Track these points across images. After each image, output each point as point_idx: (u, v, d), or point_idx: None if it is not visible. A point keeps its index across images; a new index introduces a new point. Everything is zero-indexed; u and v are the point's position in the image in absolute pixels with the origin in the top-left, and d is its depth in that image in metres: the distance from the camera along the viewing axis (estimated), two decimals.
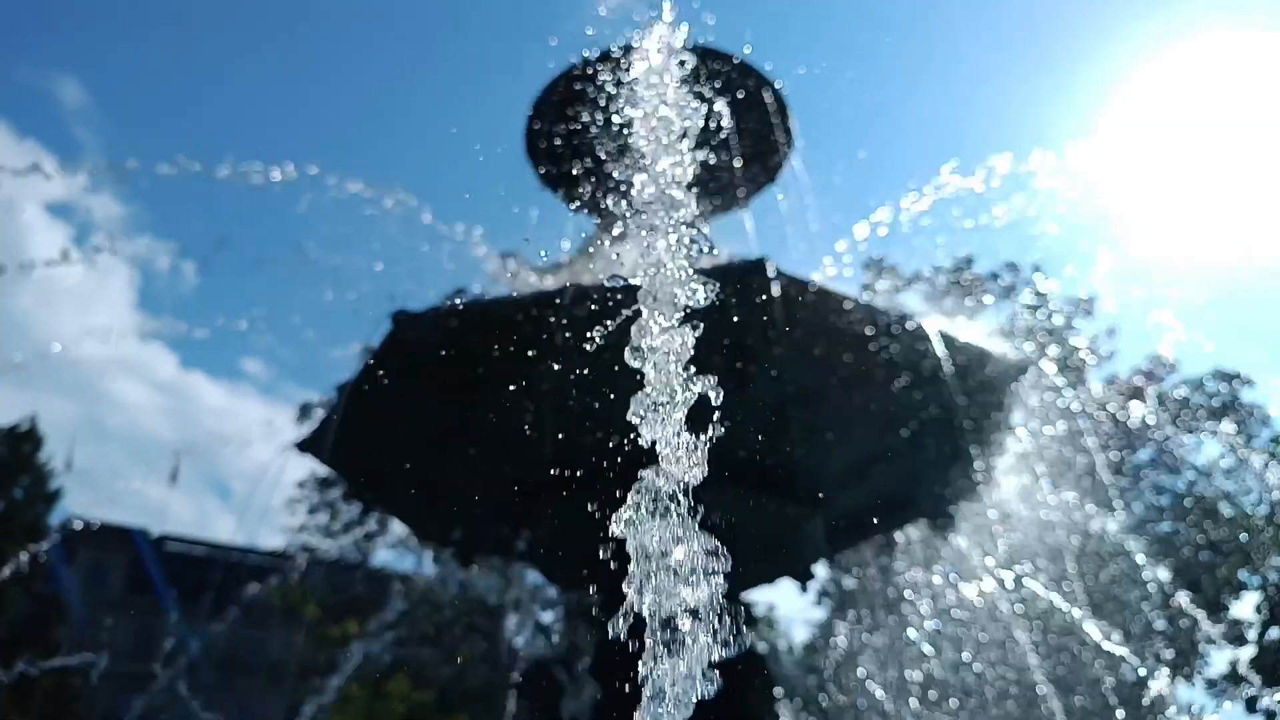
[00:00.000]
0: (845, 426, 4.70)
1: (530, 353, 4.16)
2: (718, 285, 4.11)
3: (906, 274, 25.21)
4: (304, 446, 4.98)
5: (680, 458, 3.05)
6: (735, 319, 4.08)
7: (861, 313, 4.24)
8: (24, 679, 25.96)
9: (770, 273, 3.91)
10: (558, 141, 6.72)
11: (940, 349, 4.31)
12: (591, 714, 4.88)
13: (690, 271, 3.81)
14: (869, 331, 4.26)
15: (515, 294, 4.46)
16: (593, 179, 6.80)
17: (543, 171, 6.96)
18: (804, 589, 5.70)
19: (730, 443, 4.71)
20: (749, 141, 6.64)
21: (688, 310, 3.97)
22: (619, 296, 3.88)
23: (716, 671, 4.26)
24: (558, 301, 3.93)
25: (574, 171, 6.87)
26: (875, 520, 5.95)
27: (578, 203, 7.54)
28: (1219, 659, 22.45)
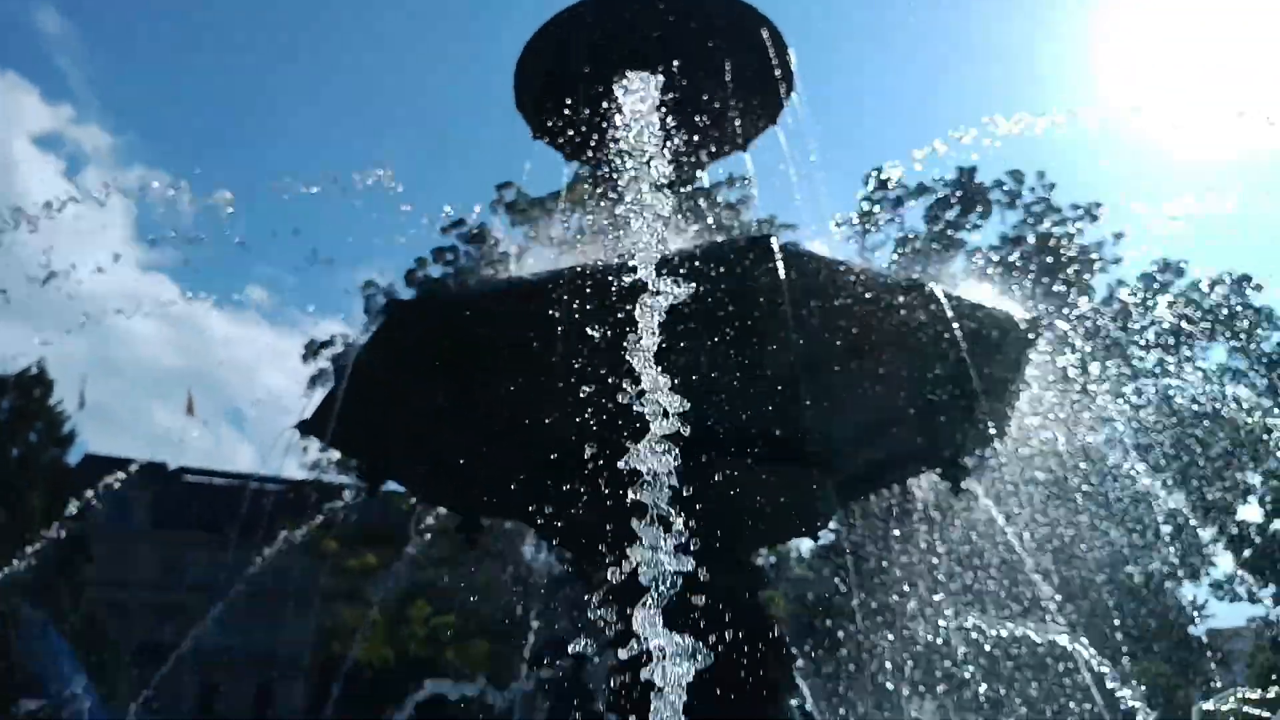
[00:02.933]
0: (855, 392, 4.63)
1: (529, 338, 4.09)
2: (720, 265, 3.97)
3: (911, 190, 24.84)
4: (306, 428, 4.94)
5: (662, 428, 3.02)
6: (742, 295, 3.98)
7: (867, 282, 4.12)
8: (58, 613, 26.69)
9: (775, 249, 3.78)
10: (548, 91, 6.50)
11: (949, 312, 4.20)
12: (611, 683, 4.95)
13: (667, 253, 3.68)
14: (874, 300, 4.15)
15: (509, 281, 4.34)
16: (583, 128, 6.59)
17: (534, 122, 6.75)
18: (815, 540, 5.72)
19: (740, 413, 4.64)
20: (747, 82, 6.41)
21: (680, 288, 3.85)
22: (613, 281, 3.77)
23: (723, 634, 4.24)
24: (550, 288, 3.82)
25: (563, 123, 6.67)
26: (888, 473, 5.94)
27: (567, 150, 7.35)
28: (1223, 561, 22.89)
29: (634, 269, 3.67)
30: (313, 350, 21.85)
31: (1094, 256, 24.90)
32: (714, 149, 7.16)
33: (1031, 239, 25.00)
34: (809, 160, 7.18)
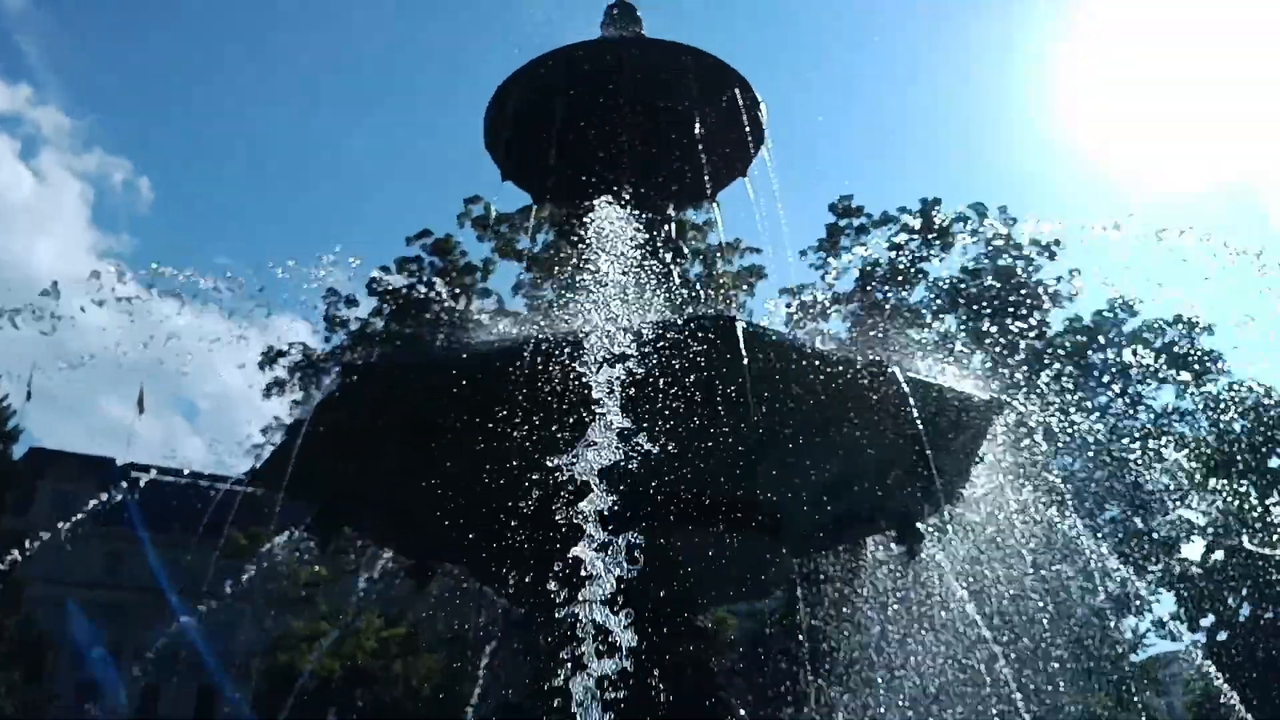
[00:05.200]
0: (813, 462, 4.67)
1: (476, 406, 4.10)
2: (684, 339, 3.99)
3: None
4: (257, 479, 4.89)
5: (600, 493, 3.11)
6: (704, 373, 4.00)
7: (827, 362, 4.16)
8: None
9: (737, 332, 3.80)
10: (518, 136, 6.49)
11: (908, 393, 4.25)
12: None
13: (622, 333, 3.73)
14: (835, 379, 4.20)
15: (460, 350, 4.33)
16: (552, 173, 6.59)
17: (504, 165, 6.73)
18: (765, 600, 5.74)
19: (698, 482, 4.65)
20: (718, 136, 6.45)
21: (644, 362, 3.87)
22: (558, 350, 3.79)
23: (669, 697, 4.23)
24: (500, 360, 3.84)
25: (532, 167, 6.67)
26: (844, 533, 5.99)
27: (536, 192, 7.36)
28: (1165, 601, 23.44)
29: (582, 344, 3.69)
30: (270, 358, 21.55)
31: (1051, 292, 25.36)
32: (683, 199, 7.21)
33: (991, 275, 25.41)
34: (776, 203, 7.26)
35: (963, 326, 25.60)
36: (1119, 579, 7.25)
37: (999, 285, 25.51)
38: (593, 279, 3.80)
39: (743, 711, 5.24)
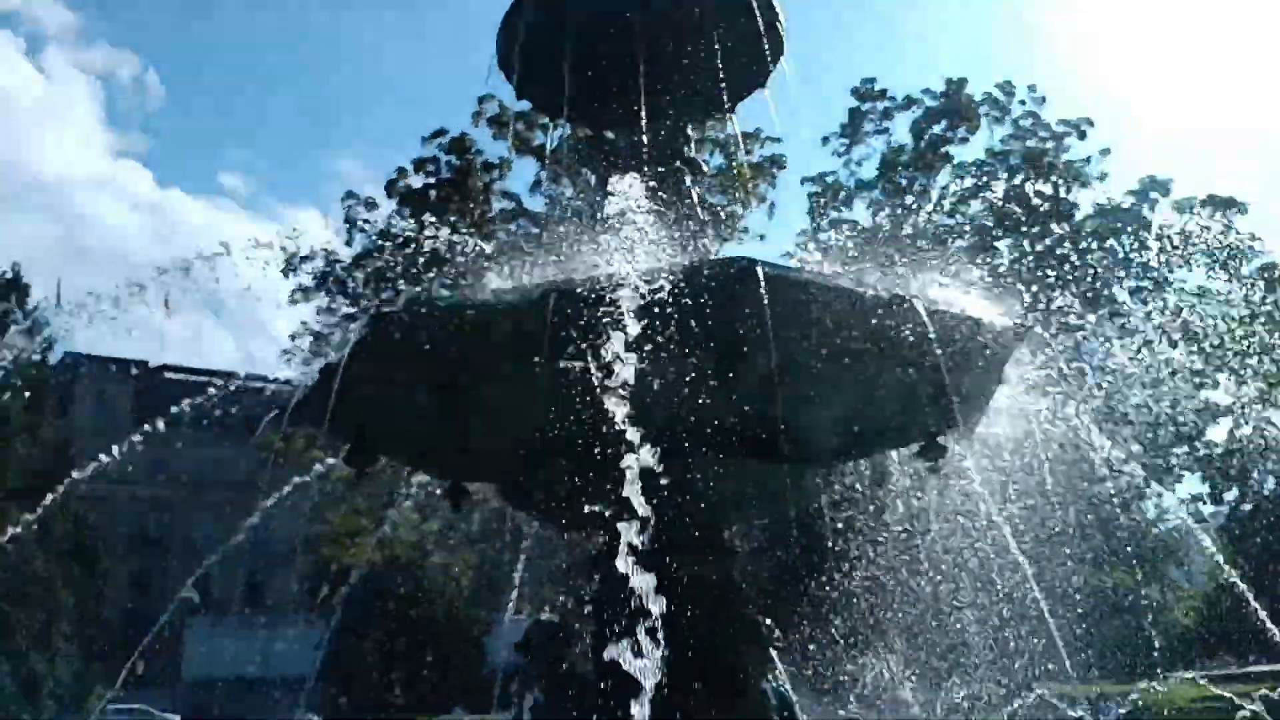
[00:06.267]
0: (832, 395, 4.75)
1: (508, 349, 4.20)
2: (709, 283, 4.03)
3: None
4: (296, 416, 5.08)
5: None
6: (727, 315, 4.07)
7: (848, 299, 4.20)
8: (44, 519, 27.12)
9: (760, 276, 3.84)
10: (531, 51, 6.37)
11: (928, 326, 4.29)
12: (592, 648, 5.22)
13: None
14: (854, 314, 4.25)
15: (490, 297, 4.39)
16: (567, 90, 6.50)
17: (517, 82, 6.64)
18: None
19: (720, 415, 4.77)
20: (737, 48, 6.29)
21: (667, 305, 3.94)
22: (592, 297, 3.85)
23: (698, 611, 4.48)
24: (528, 308, 3.92)
25: (547, 84, 6.57)
26: (864, 449, 6.12)
27: (551, 111, 7.26)
28: (1190, 481, 23.76)
29: (607, 290, 3.75)
30: (292, 264, 21.72)
31: (1078, 172, 24.79)
32: (699, 112, 7.09)
33: (1018, 155, 24.82)
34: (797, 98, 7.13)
35: (989, 211, 25.17)
36: (1130, 471, 7.38)
37: (1027, 166, 24.93)
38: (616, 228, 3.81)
39: (769, 621, 5.48)
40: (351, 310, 22.14)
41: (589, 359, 3.91)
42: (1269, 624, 6.97)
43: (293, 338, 23.10)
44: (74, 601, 30.41)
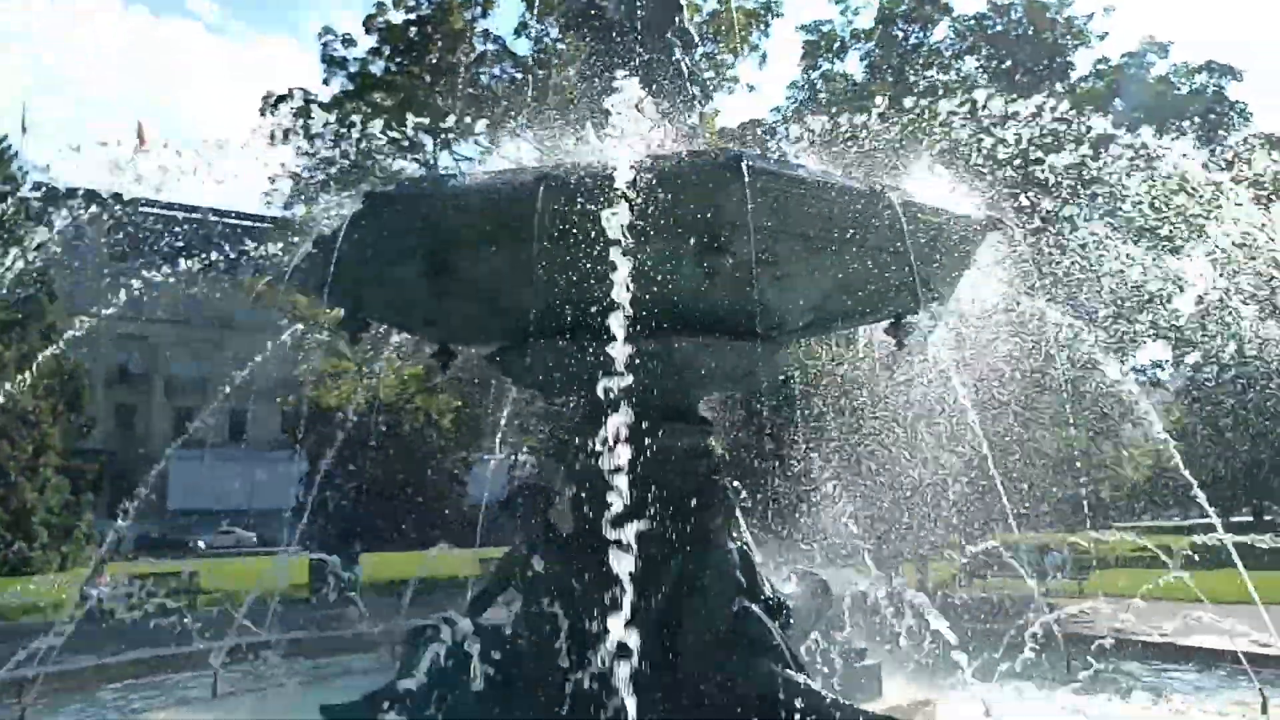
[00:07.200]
0: (809, 278, 4.98)
1: (494, 229, 4.36)
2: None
3: None
4: (295, 281, 5.27)
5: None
6: (710, 205, 4.23)
7: (826, 191, 4.36)
8: (27, 355, 27.30)
9: (744, 170, 3.99)
10: None
11: (902, 220, 4.48)
12: (573, 507, 5.63)
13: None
14: (832, 206, 4.42)
15: (483, 179, 4.49)
16: None
17: None
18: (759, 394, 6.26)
19: (705, 299, 5.04)
20: None
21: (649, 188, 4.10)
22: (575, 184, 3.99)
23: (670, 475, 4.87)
24: (518, 194, 4.07)
25: None
26: (833, 325, 6.41)
27: None
28: (1151, 350, 24.40)
29: (596, 180, 3.88)
30: (271, 104, 21.07)
31: (1078, 30, 24.17)
32: None
33: (1019, 9, 24.10)
34: None
35: (983, 68, 24.63)
36: (1079, 341, 7.76)
37: (1027, 21, 24.24)
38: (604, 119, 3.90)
39: (736, 483, 5.90)
40: (330, 153, 21.71)
41: (576, 243, 4.09)
42: (1195, 485, 7.54)
43: (271, 180, 22.73)
44: (61, 435, 31.03)
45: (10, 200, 30.11)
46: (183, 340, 56.45)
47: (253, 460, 47.36)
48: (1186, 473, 7.91)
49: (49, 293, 31.65)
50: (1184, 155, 7.04)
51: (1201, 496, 7.67)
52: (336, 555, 18.39)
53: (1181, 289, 22.08)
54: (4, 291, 28.43)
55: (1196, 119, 22.26)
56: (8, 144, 29.64)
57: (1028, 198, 18.65)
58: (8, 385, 22.09)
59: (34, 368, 26.93)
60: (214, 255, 7.54)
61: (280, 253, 6.21)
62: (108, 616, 10.95)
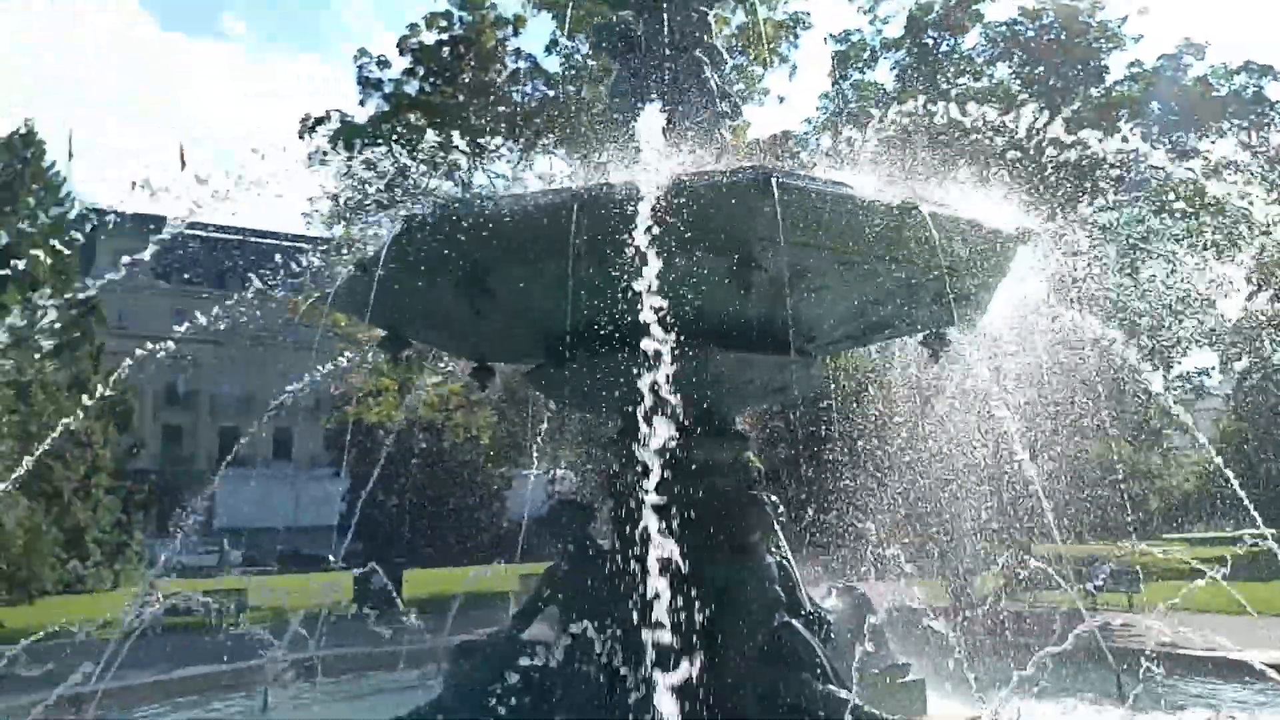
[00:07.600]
0: (841, 292, 4.99)
1: (531, 250, 4.44)
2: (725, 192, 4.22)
3: None
4: (335, 304, 5.38)
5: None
6: (742, 222, 4.27)
7: (858, 206, 4.37)
8: (78, 376, 27.94)
9: (774, 187, 4.02)
10: None
11: (934, 235, 4.48)
12: (612, 522, 5.67)
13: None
14: (864, 221, 4.43)
15: (519, 201, 4.56)
16: None
17: None
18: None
19: (739, 314, 5.06)
20: None
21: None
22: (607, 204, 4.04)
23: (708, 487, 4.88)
24: (548, 213, 4.13)
25: None
26: (868, 338, 6.40)
27: None
28: (1198, 356, 23.96)
29: (622, 197, 3.92)
30: (308, 126, 21.49)
31: (1112, 33, 23.88)
32: None
33: (1051, 12, 23.87)
34: None
35: (1016, 74, 24.41)
36: (1118, 352, 7.64)
37: (1059, 26, 24.02)
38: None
39: (774, 498, 5.90)
40: (368, 174, 22.05)
41: (611, 264, 4.14)
42: (1241, 494, 7.38)
43: (310, 200, 23.14)
44: (111, 455, 31.69)
45: (61, 225, 30.90)
46: (224, 360, 57.51)
47: (298, 478, 48.09)
48: (1235, 482, 7.75)
49: (97, 314, 32.44)
50: (1224, 159, 6.95)
51: (1250, 506, 7.52)
52: (376, 564, 18.55)
53: (1226, 294, 21.71)
54: (56, 316, 29.22)
55: (1236, 121, 21.89)
56: (55, 170, 30.43)
57: (1068, 203, 18.39)
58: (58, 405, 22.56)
59: (95, 392, 27.62)
60: (272, 279, 7.69)
61: (322, 272, 6.33)
62: (152, 631, 11.16)
